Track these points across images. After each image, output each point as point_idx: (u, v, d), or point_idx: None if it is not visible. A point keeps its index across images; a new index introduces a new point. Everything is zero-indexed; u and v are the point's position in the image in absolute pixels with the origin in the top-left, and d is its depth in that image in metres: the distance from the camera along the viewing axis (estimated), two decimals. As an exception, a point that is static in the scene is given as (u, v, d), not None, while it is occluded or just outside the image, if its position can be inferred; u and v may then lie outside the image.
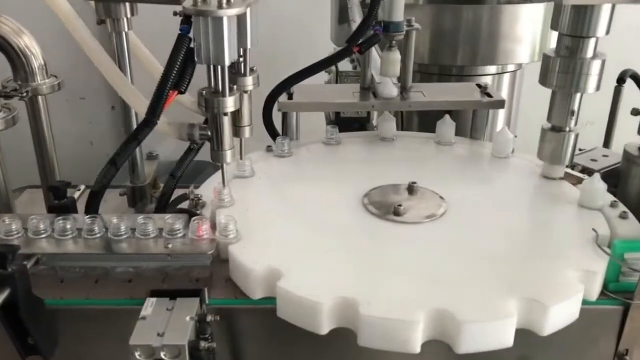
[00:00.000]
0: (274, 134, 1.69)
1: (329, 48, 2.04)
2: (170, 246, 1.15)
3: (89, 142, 3.17)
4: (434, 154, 1.63)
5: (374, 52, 1.70)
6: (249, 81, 1.27)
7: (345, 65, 2.04)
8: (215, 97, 1.19)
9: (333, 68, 2.03)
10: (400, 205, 1.30)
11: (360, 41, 1.55)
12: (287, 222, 1.29)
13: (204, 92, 1.20)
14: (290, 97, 1.64)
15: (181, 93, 1.21)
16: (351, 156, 1.61)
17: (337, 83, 2.03)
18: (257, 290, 1.12)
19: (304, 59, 1.65)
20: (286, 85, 1.62)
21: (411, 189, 1.38)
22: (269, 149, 1.60)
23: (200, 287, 1.14)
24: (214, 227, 1.21)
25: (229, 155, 1.25)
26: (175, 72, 1.17)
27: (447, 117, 1.66)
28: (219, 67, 1.16)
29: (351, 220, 1.30)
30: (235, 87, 1.23)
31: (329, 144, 1.64)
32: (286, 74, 1.62)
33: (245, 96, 1.28)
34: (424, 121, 2.04)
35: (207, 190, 1.37)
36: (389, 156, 1.61)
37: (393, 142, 1.67)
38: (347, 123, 1.91)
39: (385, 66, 1.60)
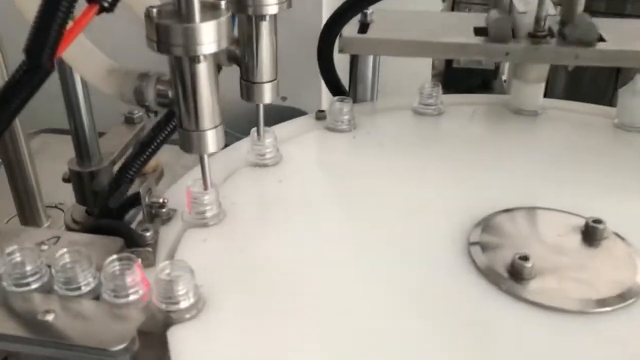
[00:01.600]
0: (336, 88, 1.04)
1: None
2: (49, 318, 0.56)
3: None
4: (611, 145, 0.93)
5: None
6: None
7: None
8: (177, 22, 0.55)
9: (448, -12, 1.34)
10: (525, 258, 0.62)
11: None
12: (302, 282, 0.65)
13: (154, 11, 0.56)
14: (364, 28, 0.98)
15: (105, 10, 0.57)
16: (459, 139, 0.93)
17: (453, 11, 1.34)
18: None
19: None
20: (356, 7, 0.95)
21: (589, 233, 0.69)
22: (321, 114, 0.96)
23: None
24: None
25: (209, 138, 0.62)
26: None
27: (639, 78, 0.94)
28: None
29: (431, 283, 0.64)
30: (223, 1, 0.57)
31: (423, 114, 0.98)
32: None
33: (264, 25, 0.66)
34: (578, 80, 1.31)
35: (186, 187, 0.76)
36: (526, 145, 0.93)
37: (535, 119, 0.98)
38: (463, 77, 1.25)
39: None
